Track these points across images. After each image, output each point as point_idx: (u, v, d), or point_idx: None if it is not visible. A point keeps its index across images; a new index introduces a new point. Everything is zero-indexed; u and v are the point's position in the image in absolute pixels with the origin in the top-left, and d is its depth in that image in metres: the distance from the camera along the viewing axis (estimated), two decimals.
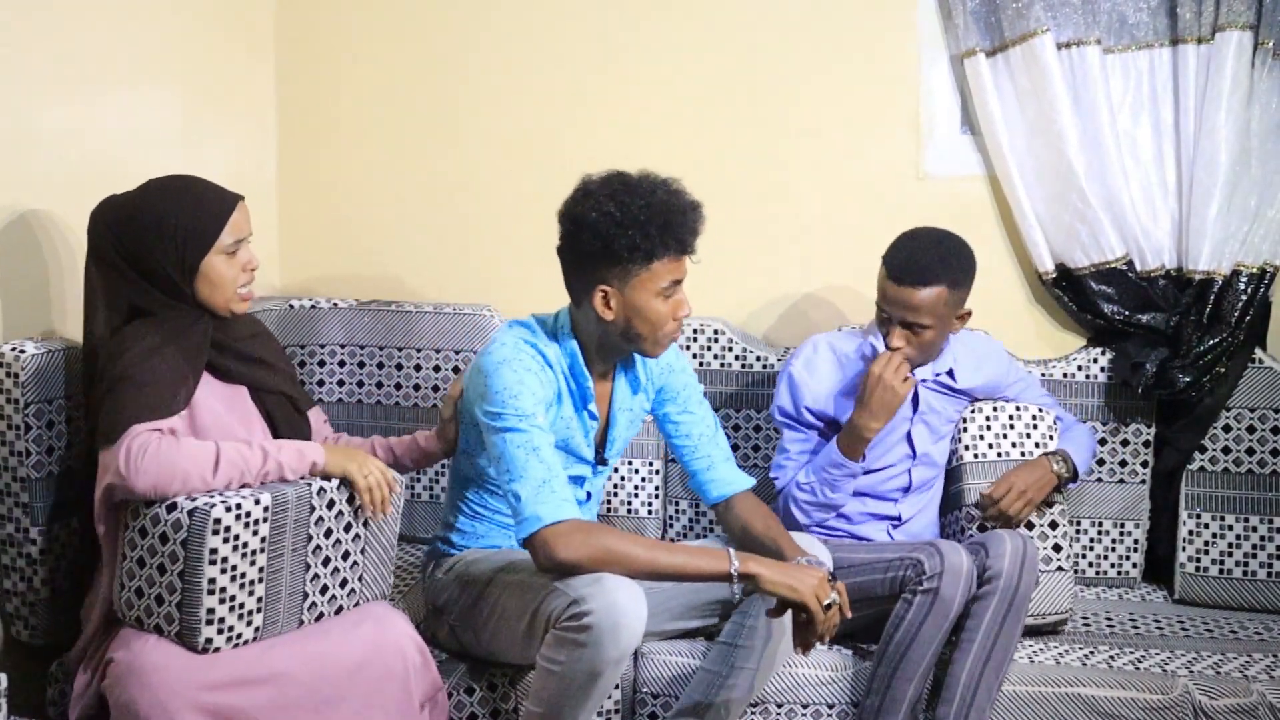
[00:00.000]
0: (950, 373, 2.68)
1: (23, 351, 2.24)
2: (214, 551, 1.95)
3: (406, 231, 3.22)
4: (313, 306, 3.05)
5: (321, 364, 3.03)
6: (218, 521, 1.95)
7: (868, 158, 3.07)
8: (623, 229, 2.19)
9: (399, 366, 3.03)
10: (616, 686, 2.41)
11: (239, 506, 1.98)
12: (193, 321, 2.18)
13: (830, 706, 2.44)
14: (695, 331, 2.99)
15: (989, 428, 2.67)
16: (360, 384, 3.04)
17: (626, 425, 2.47)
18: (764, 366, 2.97)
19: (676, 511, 3.02)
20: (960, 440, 2.68)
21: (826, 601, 2.13)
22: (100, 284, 2.17)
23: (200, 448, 2.02)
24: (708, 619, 2.45)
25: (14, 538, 2.26)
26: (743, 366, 2.97)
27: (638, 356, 2.42)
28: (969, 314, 2.59)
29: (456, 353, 3.02)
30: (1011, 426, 2.68)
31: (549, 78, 3.14)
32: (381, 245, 3.24)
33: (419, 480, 3.06)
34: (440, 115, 3.19)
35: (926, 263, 2.49)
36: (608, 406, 2.43)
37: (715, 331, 2.99)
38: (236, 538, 1.97)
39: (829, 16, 3.04)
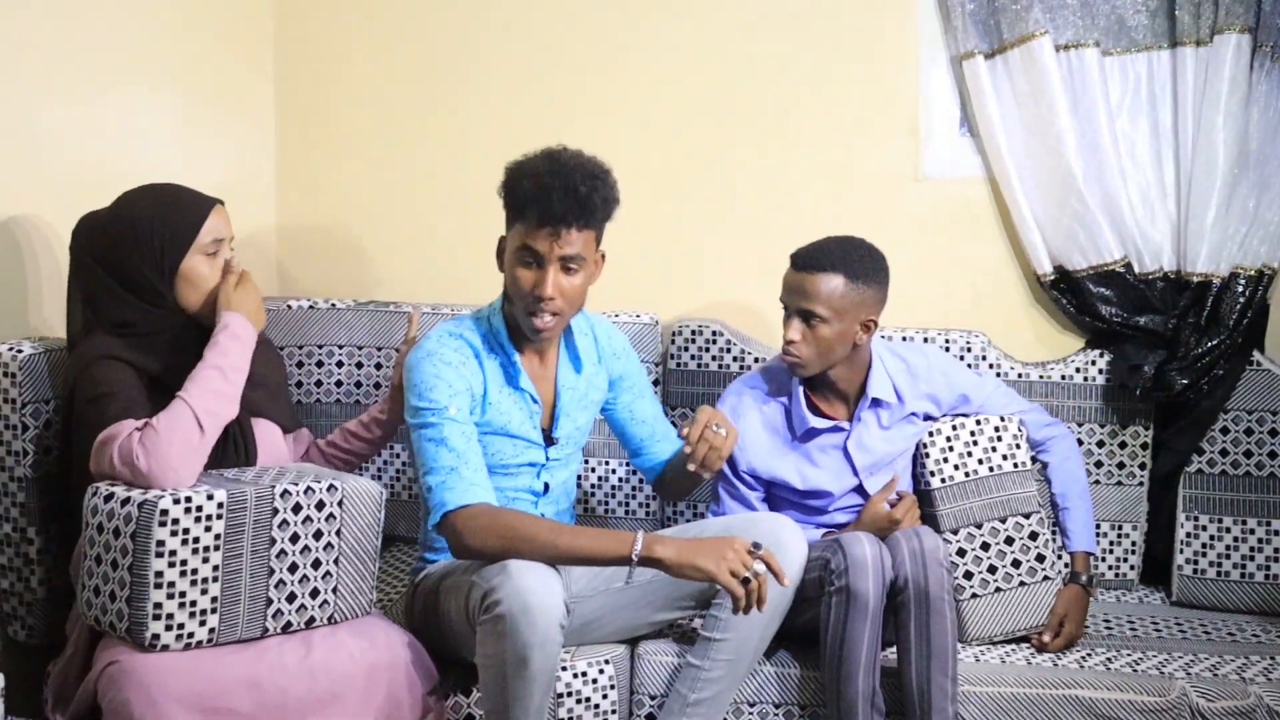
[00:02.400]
0: (877, 402, 2.58)
1: (20, 351, 2.24)
2: (161, 544, 1.93)
3: (405, 232, 3.22)
4: (311, 307, 3.05)
5: (320, 364, 3.03)
6: (165, 513, 1.93)
7: (866, 159, 3.06)
8: (513, 181, 2.26)
9: None
10: (613, 687, 2.41)
11: (189, 500, 1.96)
12: (174, 329, 2.19)
13: (803, 707, 2.44)
14: (694, 332, 2.99)
15: (951, 448, 2.62)
16: (358, 384, 3.04)
17: (575, 405, 2.44)
18: None
19: (675, 513, 3.02)
20: (925, 465, 2.62)
21: (745, 574, 2.08)
22: (84, 300, 2.21)
23: (176, 419, 2.04)
24: (688, 610, 2.44)
25: (10, 538, 2.27)
26: (741, 367, 2.96)
27: (576, 335, 2.45)
28: (874, 325, 2.50)
29: None
30: (975, 443, 2.62)
31: (549, 78, 3.14)
32: (380, 246, 3.24)
33: (398, 480, 3.06)
34: (439, 116, 3.19)
35: (825, 251, 2.49)
36: (553, 386, 2.43)
37: (714, 332, 2.99)
38: (186, 531, 1.95)
39: (828, 18, 3.04)
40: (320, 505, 2.11)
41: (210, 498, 1.99)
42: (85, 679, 2.00)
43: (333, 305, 3.06)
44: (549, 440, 2.43)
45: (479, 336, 2.36)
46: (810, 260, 2.48)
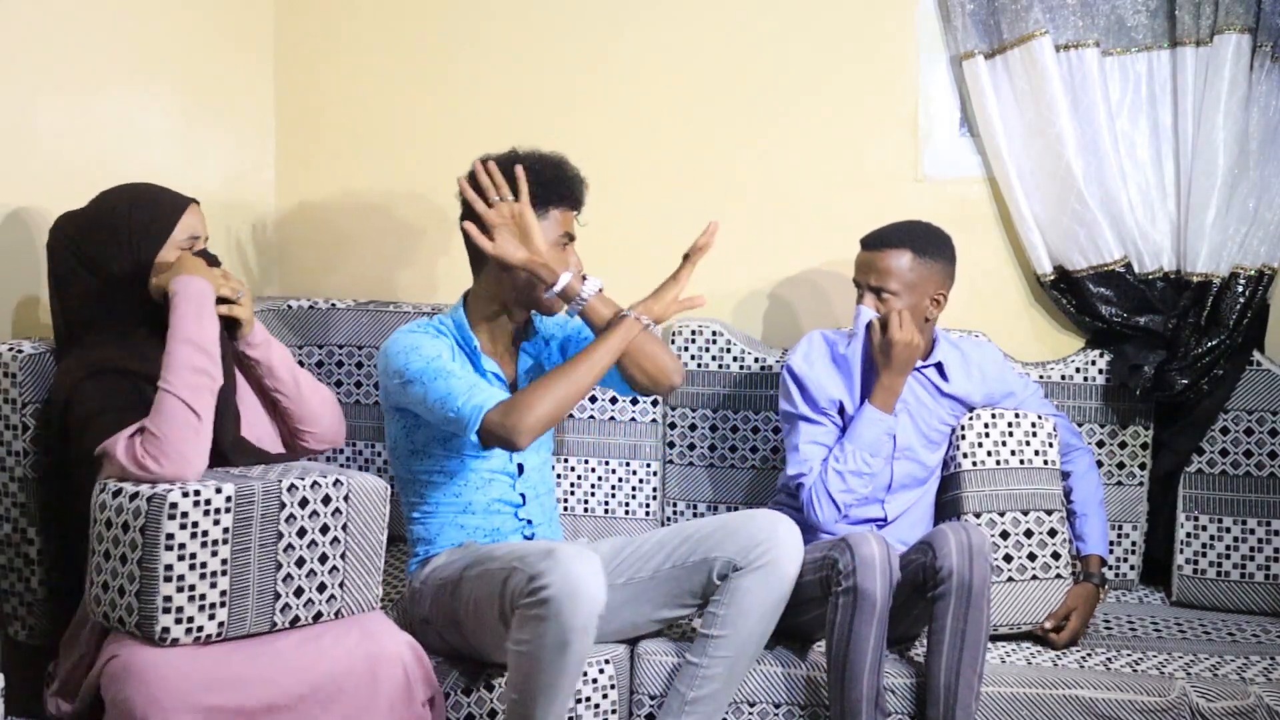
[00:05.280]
0: (940, 368, 2.68)
1: (20, 351, 2.24)
2: (170, 537, 1.93)
3: (404, 232, 3.22)
4: (311, 307, 3.05)
5: (320, 364, 3.03)
6: (174, 506, 1.93)
7: (866, 159, 3.07)
8: (544, 171, 2.42)
9: None
10: (613, 686, 2.41)
11: (198, 494, 1.96)
12: (152, 325, 2.16)
13: (803, 707, 2.45)
14: (694, 333, 2.99)
15: (987, 434, 2.66)
16: (359, 384, 3.04)
17: (536, 372, 2.52)
18: (762, 368, 2.97)
19: (675, 513, 3.02)
20: (958, 448, 2.67)
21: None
22: (62, 298, 2.20)
23: (169, 416, 2.02)
24: (688, 608, 2.45)
25: (11, 538, 2.26)
26: (741, 367, 2.97)
27: (539, 332, 2.54)
28: (945, 300, 2.63)
29: None
30: (1010, 434, 2.66)
31: (547, 80, 3.14)
32: (380, 246, 3.24)
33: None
34: (438, 116, 3.19)
35: (892, 230, 2.63)
36: (515, 361, 2.52)
37: (714, 333, 2.99)
38: (195, 525, 1.95)
39: (827, 18, 3.04)
40: (326, 500, 2.10)
41: (219, 491, 1.99)
42: (90, 673, 2.00)
43: (333, 305, 3.06)
44: None
45: (448, 325, 2.47)
46: (878, 239, 2.63)
